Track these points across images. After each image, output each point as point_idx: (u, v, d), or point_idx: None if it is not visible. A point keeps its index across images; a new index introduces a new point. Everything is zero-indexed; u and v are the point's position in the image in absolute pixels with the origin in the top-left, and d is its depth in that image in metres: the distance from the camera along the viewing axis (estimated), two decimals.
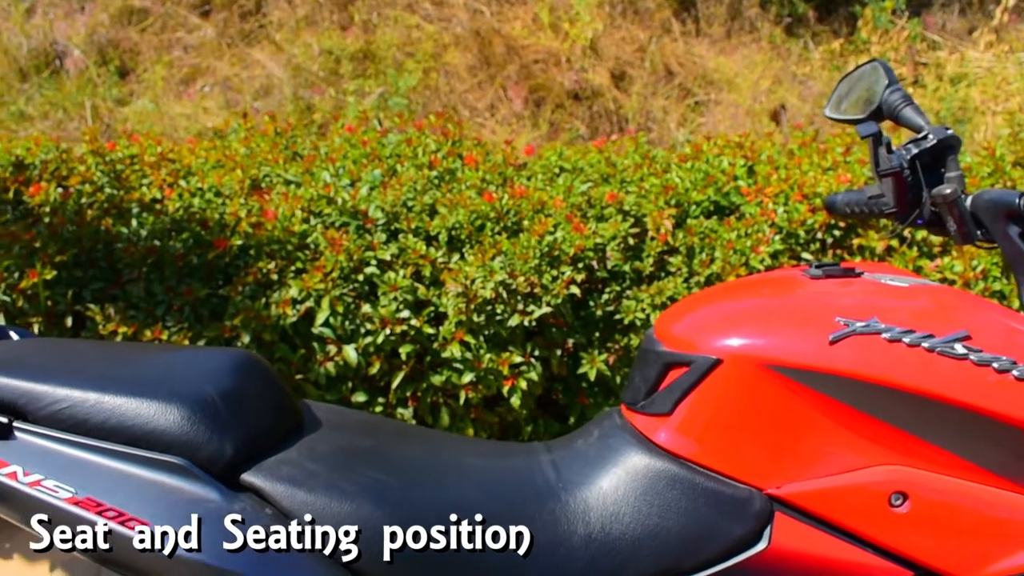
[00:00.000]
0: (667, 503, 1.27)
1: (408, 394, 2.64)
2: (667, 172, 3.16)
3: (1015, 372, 1.19)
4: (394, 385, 2.60)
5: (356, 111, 5.87)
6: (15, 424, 1.31)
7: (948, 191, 1.55)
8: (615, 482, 1.31)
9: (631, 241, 2.84)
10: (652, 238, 2.86)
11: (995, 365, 1.19)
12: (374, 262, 2.67)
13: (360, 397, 2.60)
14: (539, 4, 7.67)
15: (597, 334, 2.82)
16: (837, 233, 3.05)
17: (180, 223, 2.78)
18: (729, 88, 7.63)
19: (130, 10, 7.46)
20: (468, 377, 2.59)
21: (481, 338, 2.63)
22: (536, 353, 2.68)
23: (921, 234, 3.09)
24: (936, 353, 1.21)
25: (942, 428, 1.21)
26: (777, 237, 2.83)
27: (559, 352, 2.73)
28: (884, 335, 1.22)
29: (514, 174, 3.25)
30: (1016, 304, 2.96)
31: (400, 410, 2.64)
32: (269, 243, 2.70)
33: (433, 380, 2.61)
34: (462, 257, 2.75)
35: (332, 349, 2.57)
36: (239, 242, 2.68)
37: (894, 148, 1.59)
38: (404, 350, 2.58)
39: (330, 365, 2.55)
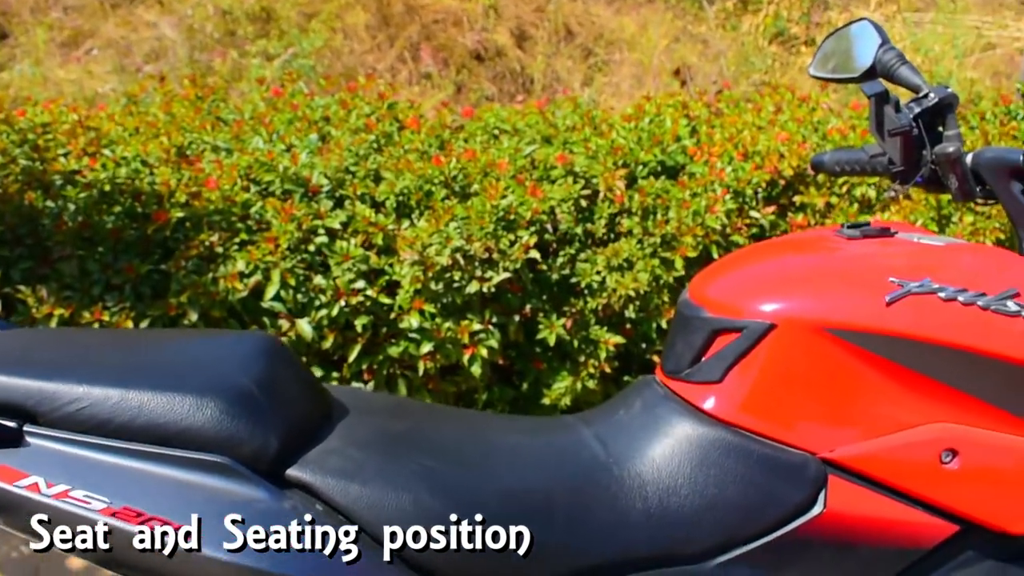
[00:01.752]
0: (723, 473, 1.23)
1: (364, 367, 2.54)
2: (611, 132, 3.11)
3: None
4: (350, 359, 2.51)
5: (260, 74, 5.68)
6: (25, 428, 1.17)
7: (951, 149, 1.54)
8: (668, 453, 1.26)
9: (583, 203, 2.79)
10: (604, 199, 2.81)
11: None
12: (323, 231, 2.56)
13: (316, 372, 2.50)
14: None
15: (549, 299, 2.77)
16: (774, 191, 3.06)
17: (110, 196, 2.62)
18: (630, 48, 7.62)
19: None
20: (427, 347, 2.51)
21: (438, 307, 2.55)
22: (494, 320, 2.62)
23: (860, 189, 3.12)
24: (991, 311, 1.20)
25: (994, 384, 1.21)
26: (728, 196, 2.81)
27: (516, 318, 2.67)
28: (940, 295, 1.20)
29: (451, 137, 3.16)
30: None
31: (356, 383, 2.55)
32: (209, 214, 2.56)
33: (390, 351, 2.53)
34: (412, 224, 2.66)
35: (284, 324, 2.46)
36: (178, 214, 2.53)
37: (902, 107, 1.57)
38: (360, 322, 2.49)
39: (283, 340, 2.44)
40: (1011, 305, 1.20)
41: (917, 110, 1.57)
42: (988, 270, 1.27)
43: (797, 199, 3.04)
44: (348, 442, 1.26)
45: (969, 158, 1.54)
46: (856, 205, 3.06)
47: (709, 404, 1.27)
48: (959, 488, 1.21)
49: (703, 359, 1.28)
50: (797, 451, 1.24)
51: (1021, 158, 1.47)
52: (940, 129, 1.59)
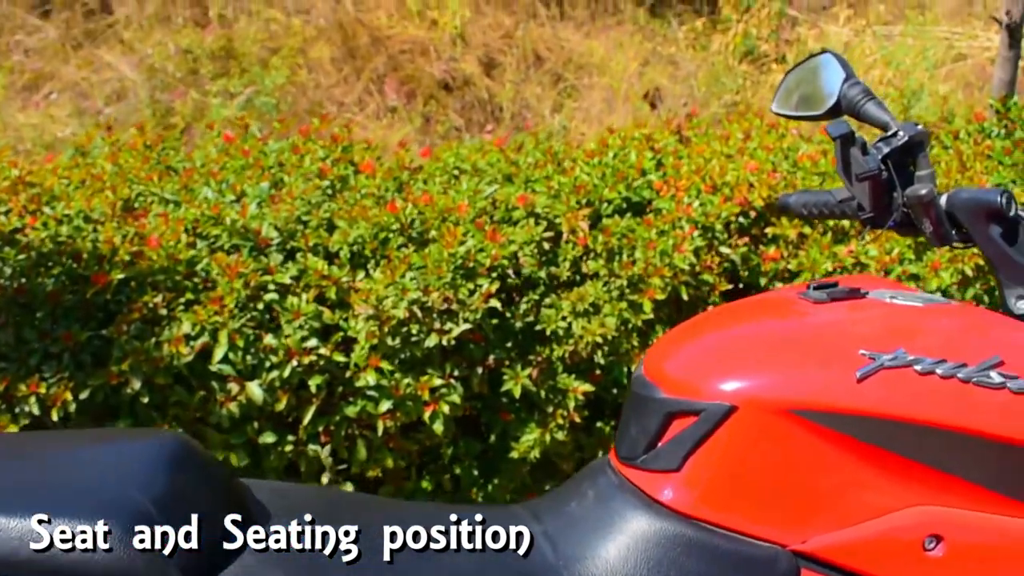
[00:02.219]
0: (685, 573, 1.12)
1: (320, 429, 2.42)
2: (574, 169, 3.00)
3: None
4: (305, 421, 2.38)
5: (221, 114, 5.57)
6: None
7: (924, 192, 1.44)
8: (623, 554, 1.14)
9: (546, 246, 2.68)
10: (567, 241, 2.70)
11: None
12: (273, 287, 2.44)
13: (268, 438, 2.38)
14: None
15: (513, 347, 2.66)
16: (745, 221, 2.96)
17: (48, 256, 2.49)
18: (600, 72, 7.55)
19: None
20: (385, 405, 2.39)
21: (396, 362, 2.43)
22: (455, 373, 2.50)
23: (834, 220, 3.02)
24: (972, 384, 1.09)
25: (978, 463, 1.10)
26: (696, 233, 2.71)
27: (479, 370, 2.56)
28: (916, 367, 1.09)
29: (410, 179, 3.05)
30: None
31: (312, 446, 2.43)
32: (153, 273, 2.44)
33: (347, 412, 2.40)
34: (368, 275, 2.55)
35: (234, 387, 2.33)
36: (119, 275, 2.41)
37: (869, 148, 1.46)
38: (314, 382, 2.36)
39: (233, 405, 2.32)
40: (994, 376, 1.09)
41: (886, 150, 1.47)
42: (967, 336, 1.16)
43: (769, 231, 2.94)
44: (264, 561, 1.13)
45: (943, 200, 1.44)
46: (830, 235, 2.96)
47: (667, 495, 1.16)
48: None
49: (659, 444, 1.17)
50: (766, 544, 1.12)
51: (998, 199, 1.37)
52: (911, 169, 1.49)
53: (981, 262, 2.88)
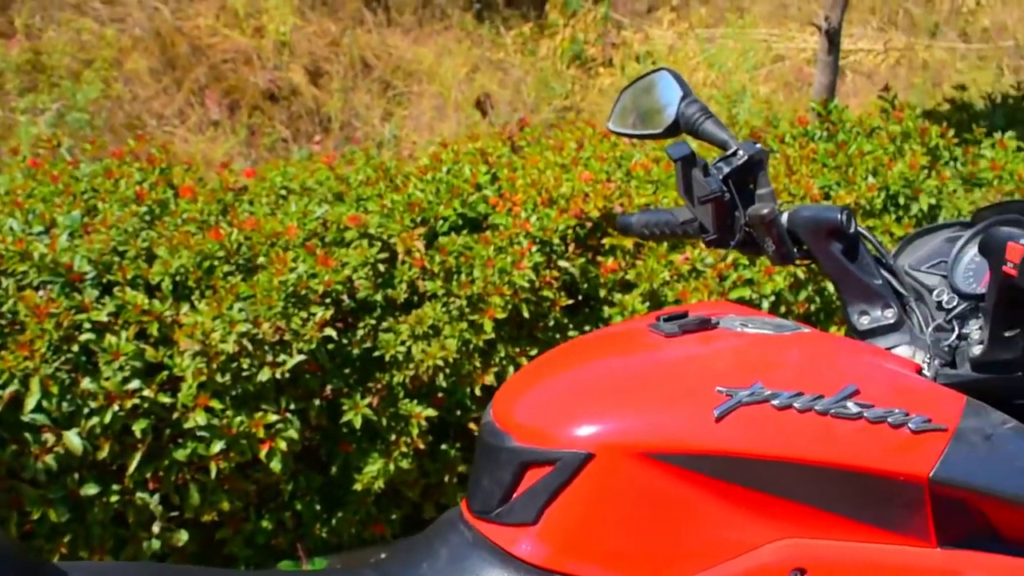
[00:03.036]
0: None
1: (148, 476, 2.27)
2: (407, 185, 2.91)
3: (910, 425, 1.07)
4: (131, 468, 2.23)
5: (30, 132, 5.24)
6: None
7: (765, 211, 1.42)
8: None
9: (381, 267, 2.59)
10: (403, 262, 2.61)
11: (890, 420, 1.07)
12: (88, 326, 2.27)
13: (91, 489, 2.21)
14: None
15: (351, 375, 2.55)
16: (581, 232, 2.93)
17: None
18: (429, 79, 7.47)
19: None
20: (218, 446, 2.26)
21: (228, 399, 2.30)
22: (292, 407, 2.38)
23: (676, 240, 3.02)
24: (830, 416, 1.06)
25: (839, 494, 1.08)
26: (535, 248, 2.66)
27: (317, 401, 2.44)
28: (773, 402, 1.06)
29: (234, 200, 2.90)
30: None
31: (140, 495, 2.27)
32: None
33: (177, 455, 2.26)
34: (193, 307, 2.40)
35: (50, 438, 2.16)
36: None
37: (710, 169, 1.43)
38: (138, 426, 2.21)
39: (49, 457, 2.14)
40: (851, 406, 1.07)
41: (727, 170, 1.44)
42: (822, 366, 1.14)
43: (606, 241, 2.92)
44: None
45: (784, 218, 1.43)
46: (665, 243, 2.96)
47: (525, 549, 1.09)
48: None
49: (514, 496, 1.10)
50: None
51: (839, 217, 1.36)
52: (752, 187, 1.47)
53: (814, 267, 2.94)
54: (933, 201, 3.31)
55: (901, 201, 3.30)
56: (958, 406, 1.10)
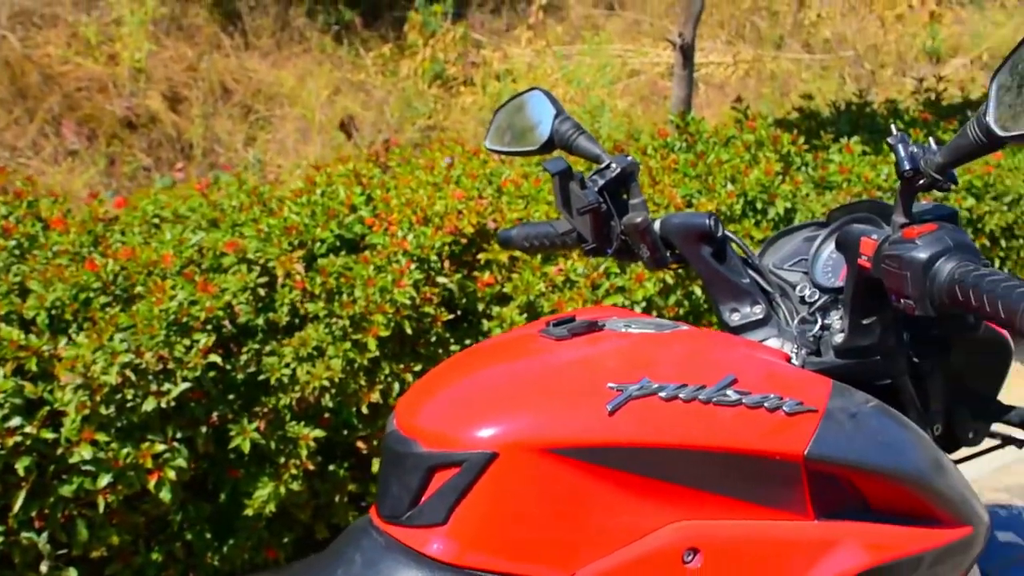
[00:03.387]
0: None
1: (34, 514, 2.22)
2: (282, 209, 2.93)
3: (785, 408, 1.16)
4: (15, 508, 2.18)
5: None
6: None
7: (639, 219, 1.51)
8: None
9: (261, 292, 2.60)
10: (283, 285, 2.63)
11: (766, 405, 1.15)
12: None
13: None
14: (80, 25, 7.01)
15: (237, 400, 2.55)
16: (456, 249, 2.99)
17: None
18: (291, 102, 7.44)
19: None
20: (104, 479, 2.23)
21: (113, 431, 2.27)
22: (178, 435, 2.37)
23: (555, 251, 3.11)
24: (712, 404, 1.14)
25: (726, 476, 1.16)
26: (414, 266, 2.71)
27: (204, 428, 2.44)
28: (660, 394, 1.13)
29: (106, 231, 2.87)
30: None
31: (26, 534, 2.22)
32: None
33: (62, 491, 2.22)
34: (71, 340, 2.37)
35: None
36: None
37: (587, 182, 1.51)
38: (21, 464, 2.16)
39: None
40: (731, 394, 1.15)
41: (601, 182, 1.53)
42: (703, 359, 1.22)
43: (481, 256, 3.00)
44: None
45: (657, 225, 1.52)
46: (539, 256, 3.05)
47: (436, 549, 1.14)
48: None
49: (423, 499, 1.15)
50: None
51: (707, 222, 1.46)
52: (625, 198, 1.56)
53: (682, 272, 3.07)
54: (788, 205, 3.49)
55: (759, 206, 3.47)
56: (826, 389, 1.20)
